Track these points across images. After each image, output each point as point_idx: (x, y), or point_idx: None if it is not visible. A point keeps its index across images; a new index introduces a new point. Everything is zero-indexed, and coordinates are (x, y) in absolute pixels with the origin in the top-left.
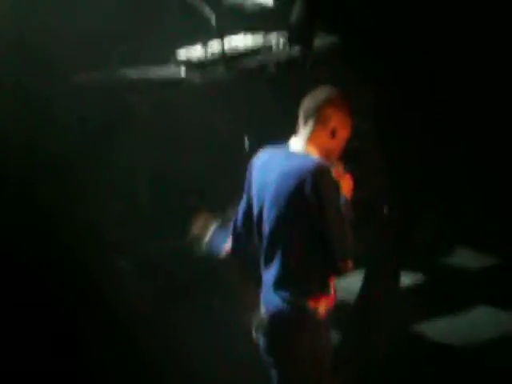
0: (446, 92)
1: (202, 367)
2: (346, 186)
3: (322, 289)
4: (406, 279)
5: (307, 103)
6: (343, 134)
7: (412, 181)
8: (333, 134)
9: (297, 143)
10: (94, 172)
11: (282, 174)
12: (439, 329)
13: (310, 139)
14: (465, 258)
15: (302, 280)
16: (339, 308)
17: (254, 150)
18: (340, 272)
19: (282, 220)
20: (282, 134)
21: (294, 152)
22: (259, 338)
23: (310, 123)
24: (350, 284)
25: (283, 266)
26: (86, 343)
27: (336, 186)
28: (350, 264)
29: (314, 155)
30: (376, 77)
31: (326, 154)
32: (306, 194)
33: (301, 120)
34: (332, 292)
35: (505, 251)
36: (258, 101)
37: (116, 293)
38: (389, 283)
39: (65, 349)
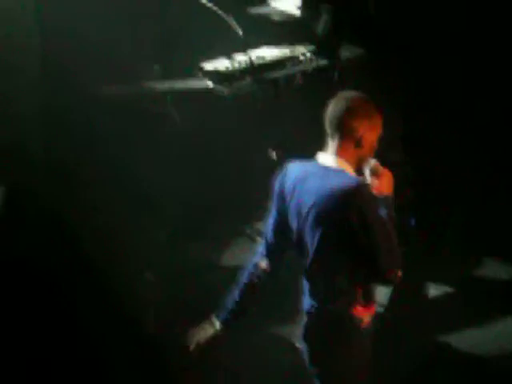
0: (472, 100)
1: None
2: (387, 182)
3: (367, 300)
4: (435, 290)
5: (330, 115)
6: (372, 138)
7: (440, 191)
8: (361, 142)
9: (328, 158)
10: (122, 184)
11: (323, 194)
12: (468, 340)
13: (340, 153)
14: (494, 269)
15: (348, 294)
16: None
17: (281, 162)
18: (390, 283)
19: (326, 239)
20: (308, 145)
21: (329, 168)
22: (303, 349)
23: (336, 136)
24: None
25: (329, 282)
26: (111, 359)
27: (376, 201)
28: (399, 273)
29: (348, 169)
30: (403, 87)
31: (358, 163)
32: (349, 214)
33: (327, 132)
34: (374, 301)
35: None
36: (285, 112)
37: (139, 303)
38: (417, 294)
39: (87, 365)
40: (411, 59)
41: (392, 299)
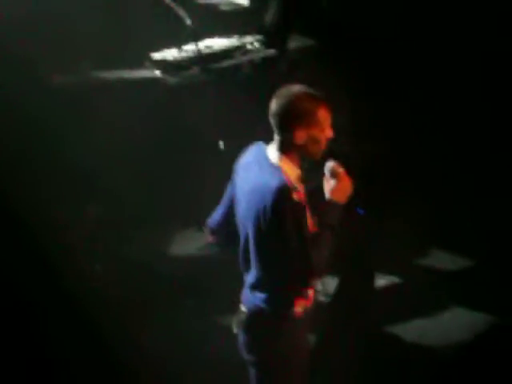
0: (422, 88)
1: (183, 367)
2: (342, 189)
3: (298, 292)
4: (381, 280)
5: (270, 112)
6: (314, 134)
7: (387, 180)
8: (300, 140)
9: (272, 151)
10: (71, 173)
11: (253, 188)
12: (415, 330)
13: (282, 149)
14: (440, 259)
15: (278, 285)
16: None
17: (229, 150)
18: (303, 286)
19: (252, 232)
20: (257, 134)
21: (269, 162)
22: (238, 336)
23: (278, 131)
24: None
25: (258, 273)
26: (61, 349)
27: (298, 208)
28: (315, 280)
29: (288, 166)
30: (352, 77)
31: (303, 156)
32: (267, 213)
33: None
34: (311, 293)
35: (479, 252)
36: (233, 101)
37: (91, 297)
38: (363, 284)
39: (38, 357)
40: (362, 50)
41: (338, 289)
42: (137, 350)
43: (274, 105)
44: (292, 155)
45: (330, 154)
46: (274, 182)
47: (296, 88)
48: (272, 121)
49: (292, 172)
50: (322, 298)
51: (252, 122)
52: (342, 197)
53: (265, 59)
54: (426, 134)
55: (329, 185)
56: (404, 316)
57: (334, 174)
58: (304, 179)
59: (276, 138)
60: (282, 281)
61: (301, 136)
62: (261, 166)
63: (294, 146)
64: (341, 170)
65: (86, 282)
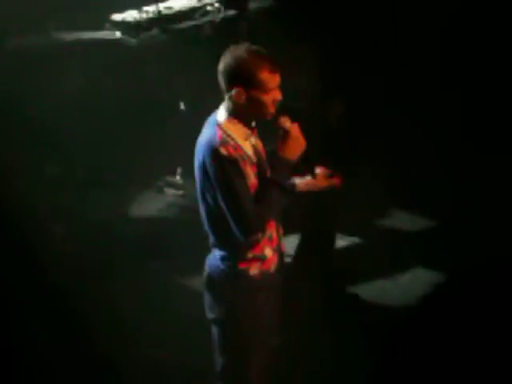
0: (384, 52)
1: (145, 329)
2: (293, 145)
3: (252, 254)
4: (342, 241)
5: (218, 68)
6: (258, 94)
7: (348, 141)
8: (244, 97)
9: (220, 111)
10: (28, 137)
11: (198, 144)
12: (374, 290)
13: (228, 107)
14: (399, 219)
15: (230, 243)
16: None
17: (190, 112)
18: (243, 240)
19: (200, 190)
20: (216, 97)
21: (214, 121)
22: (203, 295)
23: (225, 90)
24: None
25: (212, 231)
26: (20, 309)
27: (230, 164)
28: (258, 236)
29: (234, 124)
30: (312, 38)
31: (249, 118)
32: (203, 168)
33: None
34: (270, 257)
35: (438, 212)
36: (193, 62)
37: (52, 258)
38: (324, 246)
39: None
40: (323, 9)
41: (300, 250)
42: (99, 312)
43: (220, 63)
44: (238, 114)
45: (284, 112)
46: (208, 138)
47: (242, 47)
48: (220, 80)
49: (237, 130)
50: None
51: (212, 84)
52: (291, 153)
53: (225, 20)
54: (388, 94)
55: (281, 141)
56: (364, 276)
57: (283, 129)
58: (257, 139)
59: (224, 96)
60: (229, 237)
61: (240, 95)
62: (208, 127)
63: (236, 105)
64: (289, 124)
65: (47, 244)
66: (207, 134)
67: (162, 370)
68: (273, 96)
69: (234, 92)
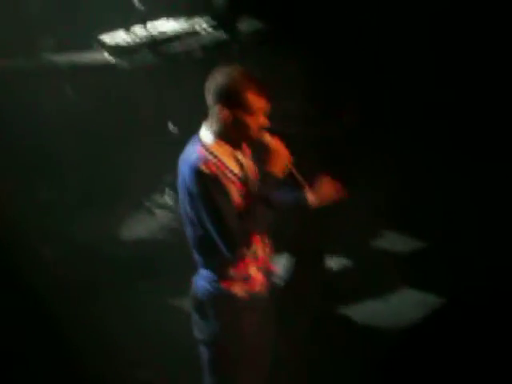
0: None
1: (134, 350)
2: (276, 160)
3: (236, 274)
4: (333, 263)
5: (205, 86)
6: (243, 116)
7: (339, 164)
8: (227, 116)
9: (203, 129)
10: (19, 159)
11: (179, 164)
12: (365, 312)
13: (212, 126)
14: (391, 242)
15: (213, 262)
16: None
17: (180, 134)
18: (231, 259)
19: (184, 209)
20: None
21: (196, 139)
22: (192, 316)
23: (211, 107)
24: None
25: (197, 251)
26: (8, 331)
27: (211, 181)
28: (243, 251)
29: (217, 143)
30: (302, 61)
31: (233, 137)
32: (186, 186)
33: None
34: (255, 277)
35: (429, 233)
36: (183, 85)
37: (41, 280)
38: (314, 267)
39: None
40: (314, 34)
41: (290, 271)
42: (87, 333)
43: (207, 81)
44: (223, 133)
45: (282, 137)
46: (190, 156)
47: (232, 67)
48: (207, 101)
49: (220, 147)
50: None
51: (202, 107)
52: (278, 167)
53: (216, 43)
54: (377, 118)
55: (265, 156)
56: (354, 297)
57: (266, 146)
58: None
59: (210, 116)
60: (212, 256)
61: (225, 114)
62: (190, 145)
63: (221, 125)
64: (268, 138)
65: (35, 266)
66: (189, 152)
67: None
68: (258, 120)
69: (219, 109)
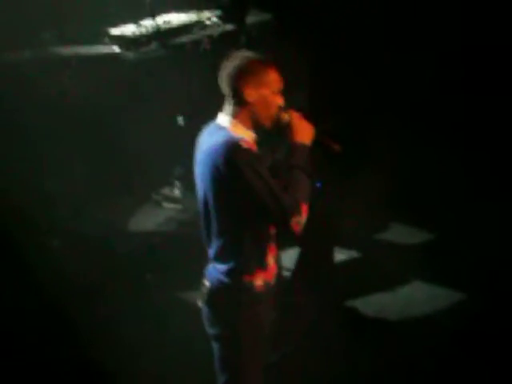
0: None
1: (142, 342)
2: (302, 130)
3: (258, 263)
4: (341, 255)
5: (222, 73)
6: (263, 96)
7: (345, 155)
8: (248, 101)
9: (222, 117)
10: (27, 149)
11: (203, 152)
12: (374, 304)
13: (233, 113)
14: (399, 233)
15: (237, 255)
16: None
17: (189, 125)
18: (291, 231)
19: (209, 199)
20: (216, 109)
21: (219, 127)
22: (203, 310)
23: (227, 97)
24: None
25: (218, 242)
26: (20, 323)
27: (251, 155)
28: (298, 219)
29: (239, 128)
30: (309, 52)
31: (257, 121)
32: (222, 170)
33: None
34: (272, 267)
35: (438, 226)
36: (192, 76)
37: (51, 272)
38: (323, 260)
39: None
40: (321, 25)
41: (299, 264)
42: (96, 325)
43: (224, 67)
44: (243, 118)
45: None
46: (220, 140)
47: (244, 52)
48: (223, 84)
49: (244, 133)
50: (285, 273)
51: (210, 98)
52: (304, 136)
53: (223, 34)
54: (384, 111)
55: (289, 131)
56: (364, 290)
57: (289, 119)
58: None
59: (226, 102)
60: (248, 244)
61: (251, 94)
62: (211, 134)
63: (244, 106)
64: (288, 115)
65: (43, 257)
66: (216, 138)
67: None
68: (277, 99)
69: (244, 90)
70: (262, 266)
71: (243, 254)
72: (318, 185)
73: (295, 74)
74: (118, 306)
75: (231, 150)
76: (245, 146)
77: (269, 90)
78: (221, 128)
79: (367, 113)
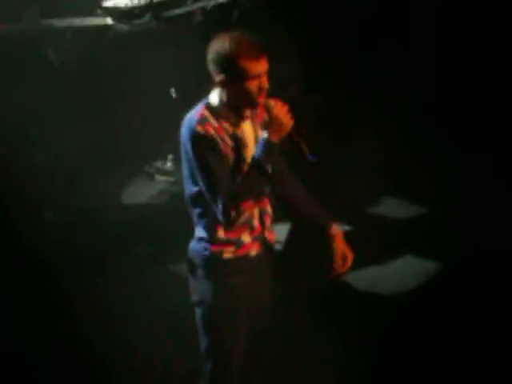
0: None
1: (134, 315)
2: (276, 126)
3: (226, 236)
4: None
5: (207, 57)
6: (246, 83)
7: (337, 130)
8: (231, 84)
9: (213, 92)
10: (17, 124)
11: (182, 125)
12: (366, 278)
13: (218, 93)
14: (391, 207)
15: (205, 224)
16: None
17: (181, 98)
18: (227, 222)
19: (184, 170)
20: (208, 83)
21: (203, 102)
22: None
23: (214, 76)
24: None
25: (191, 211)
26: (13, 297)
27: (206, 142)
28: (236, 214)
29: (217, 108)
30: (302, 24)
31: (237, 105)
32: (182, 145)
33: None
34: (248, 243)
35: (430, 199)
36: (185, 49)
37: (44, 244)
38: (314, 232)
39: None
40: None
41: (289, 237)
42: (84, 296)
43: (208, 50)
44: (227, 101)
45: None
46: (188, 117)
47: (226, 36)
48: (208, 67)
49: (225, 114)
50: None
51: (203, 71)
52: (275, 133)
53: (216, 6)
54: (377, 85)
55: (266, 122)
56: (355, 264)
57: (269, 110)
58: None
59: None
60: (212, 218)
61: (222, 83)
62: (195, 108)
63: (225, 93)
64: (272, 104)
65: (36, 229)
66: (191, 113)
67: (150, 357)
68: (258, 83)
69: (221, 80)
70: (230, 240)
71: (209, 226)
72: (311, 157)
73: (287, 48)
74: (109, 277)
75: (189, 131)
76: (200, 129)
77: (243, 78)
78: (202, 103)
79: (362, 87)
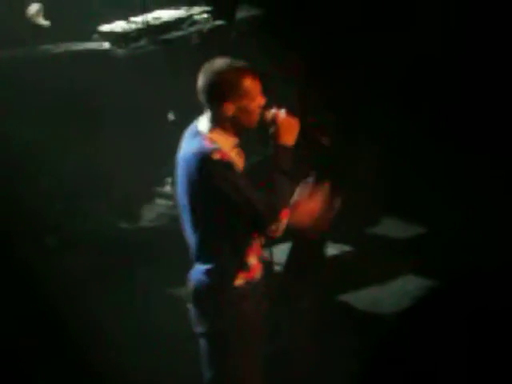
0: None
1: (132, 337)
2: (285, 131)
3: (238, 265)
4: (333, 249)
5: (198, 86)
6: (245, 103)
7: (340, 149)
8: (231, 109)
9: (203, 123)
10: (20, 148)
11: (181, 158)
12: (366, 299)
13: (213, 120)
14: (391, 228)
15: (216, 257)
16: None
17: (179, 122)
18: (269, 235)
19: (188, 203)
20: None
21: (197, 133)
22: (189, 309)
23: (207, 106)
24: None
25: (198, 244)
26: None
27: (227, 167)
28: (275, 226)
29: (218, 134)
30: (299, 47)
31: (237, 128)
32: (195, 178)
33: None
34: (255, 266)
35: (431, 220)
36: (182, 72)
37: (45, 270)
38: (315, 253)
39: None
40: (310, 19)
41: (290, 258)
42: (88, 321)
43: (199, 82)
44: (224, 126)
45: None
46: (194, 149)
47: (218, 62)
48: (200, 97)
49: (223, 140)
50: (275, 268)
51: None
52: (288, 138)
53: (213, 30)
54: (378, 104)
55: (272, 132)
56: (356, 284)
57: (273, 120)
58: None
59: (206, 111)
60: (227, 247)
61: (229, 108)
62: (189, 140)
63: (224, 119)
64: (273, 112)
65: (38, 255)
66: (191, 146)
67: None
68: (258, 102)
69: (222, 106)
70: (242, 267)
71: (222, 257)
72: (310, 179)
73: (285, 69)
74: (109, 299)
75: (202, 162)
76: (216, 156)
77: (247, 99)
78: (198, 134)
79: (360, 107)
